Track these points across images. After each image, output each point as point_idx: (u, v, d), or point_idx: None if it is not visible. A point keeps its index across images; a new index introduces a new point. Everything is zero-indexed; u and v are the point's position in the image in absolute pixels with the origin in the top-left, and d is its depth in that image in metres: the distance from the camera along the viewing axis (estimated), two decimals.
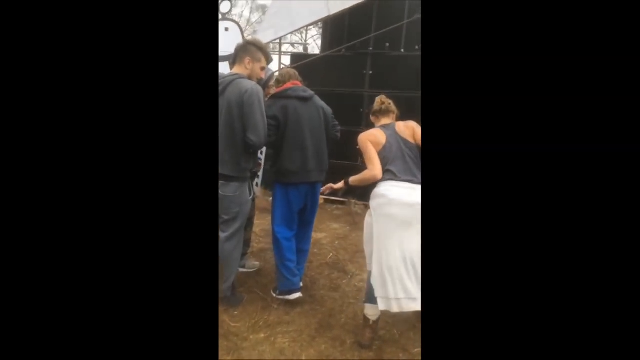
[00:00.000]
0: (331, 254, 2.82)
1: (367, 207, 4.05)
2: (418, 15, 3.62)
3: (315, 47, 12.11)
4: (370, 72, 3.91)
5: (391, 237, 1.57)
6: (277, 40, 4.16)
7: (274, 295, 2.13)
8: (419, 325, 1.89)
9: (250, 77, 1.83)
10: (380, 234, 1.61)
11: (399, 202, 1.56)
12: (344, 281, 2.43)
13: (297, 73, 2.09)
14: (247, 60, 1.83)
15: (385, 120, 1.82)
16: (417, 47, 3.90)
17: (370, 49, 3.87)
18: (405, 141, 1.71)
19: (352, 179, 1.77)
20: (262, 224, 3.22)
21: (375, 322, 1.80)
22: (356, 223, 3.61)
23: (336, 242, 3.11)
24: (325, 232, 3.29)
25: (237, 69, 1.84)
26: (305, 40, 13.48)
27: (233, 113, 1.72)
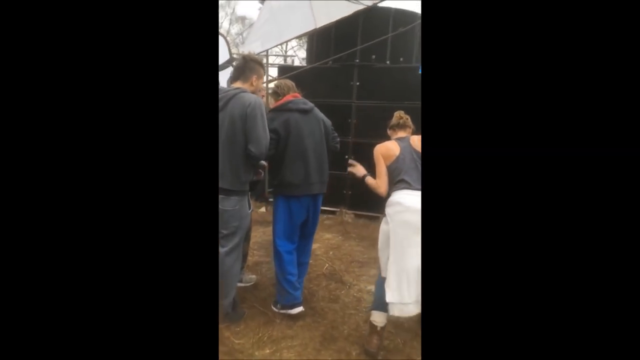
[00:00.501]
0: (327, 265, 2.81)
1: (357, 216, 4.08)
2: (402, 29, 3.73)
3: (295, 58, 12.18)
4: (357, 84, 3.98)
5: (408, 243, 1.61)
6: (264, 53, 4.17)
7: (275, 309, 2.09)
8: (419, 331, 1.90)
9: (254, 93, 1.84)
10: (397, 240, 1.65)
11: (415, 210, 1.60)
12: (342, 292, 2.43)
13: (294, 85, 2.10)
14: (254, 78, 1.86)
15: (401, 134, 1.92)
16: (401, 59, 4.02)
17: (357, 60, 3.94)
18: (418, 153, 1.80)
19: (368, 180, 1.91)
20: (254, 236, 3.18)
21: (382, 328, 1.81)
22: (348, 232, 3.63)
23: (330, 252, 3.11)
24: (318, 242, 3.28)
25: (241, 85, 1.84)
26: (286, 52, 13.54)
27: (236, 126, 1.72)
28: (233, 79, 1.88)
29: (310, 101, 2.11)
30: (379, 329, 1.80)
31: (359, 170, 1.98)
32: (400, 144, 1.84)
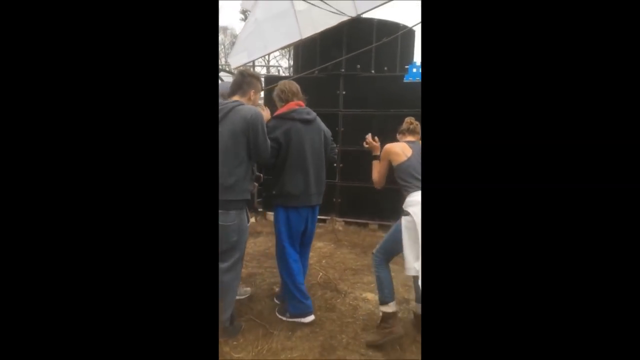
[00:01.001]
0: (321, 274, 2.81)
1: (347, 223, 4.09)
2: (386, 39, 3.83)
3: (279, 68, 12.25)
4: (344, 93, 4.04)
5: None
6: (250, 63, 4.18)
7: (284, 317, 2.09)
8: (419, 338, 1.93)
9: None
10: None
11: None
12: (338, 300, 2.43)
13: (299, 88, 2.02)
14: (252, 92, 1.88)
15: (410, 138, 2.00)
16: (386, 69, 4.12)
17: (342, 70, 4.01)
18: None
19: (374, 163, 2.05)
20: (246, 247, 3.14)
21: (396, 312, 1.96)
22: (339, 240, 3.64)
23: (323, 261, 3.11)
24: (311, 251, 3.27)
25: (239, 99, 1.84)
26: (268, 61, 13.60)
27: (237, 138, 1.72)
28: (231, 93, 1.87)
29: None
30: (399, 314, 1.98)
31: (374, 148, 2.06)
32: (410, 145, 1.93)
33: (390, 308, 1.93)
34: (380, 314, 1.95)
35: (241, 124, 1.72)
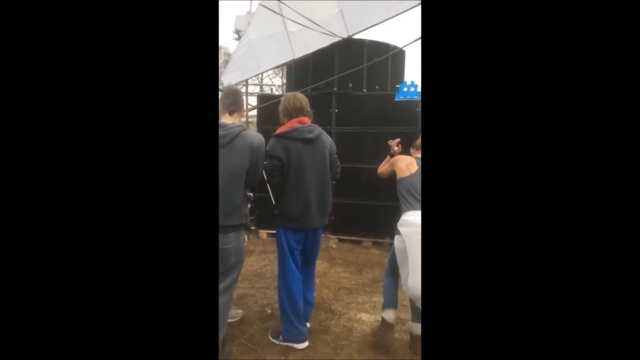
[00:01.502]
0: (314, 294, 2.75)
1: (340, 240, 4.05)
2: (377, 59, 3.90)
3: (272, 86, 12.41)
4: (336, 110, 4.08)
5: None
6: (243, 82, 4.22)
7: (276, 341, 2.02)
8: (418, 358, 1.88)
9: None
10: (414, 258, 1.73)
11: None
12: (332, 322, 2.37)
13: (305, 102, 1.89)
14: (244, 109, 1.86)
15: (420, 155, 2.03)
16: (377, 87, 4.19)
17: (335, 89, 4.06)
18: None
19: (389, 159, 2.11)
20: None
21: (393, 324, 2.01)
22: (333, 258, 3.59)
23: (317, 280, 3.05)
24: None
25: (238, 117, 1.82)
26: (262, 79, 13.78)
27: (242, 165, 1.69)
28: (232, 111, 1.79)
29: None
30: (393, 324, 2.00)
31: (395, 150, 2.06)
32: (419, 163, 1.94)
33: (386, 314, 1.99)
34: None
35: (247, 151, 1.69)
